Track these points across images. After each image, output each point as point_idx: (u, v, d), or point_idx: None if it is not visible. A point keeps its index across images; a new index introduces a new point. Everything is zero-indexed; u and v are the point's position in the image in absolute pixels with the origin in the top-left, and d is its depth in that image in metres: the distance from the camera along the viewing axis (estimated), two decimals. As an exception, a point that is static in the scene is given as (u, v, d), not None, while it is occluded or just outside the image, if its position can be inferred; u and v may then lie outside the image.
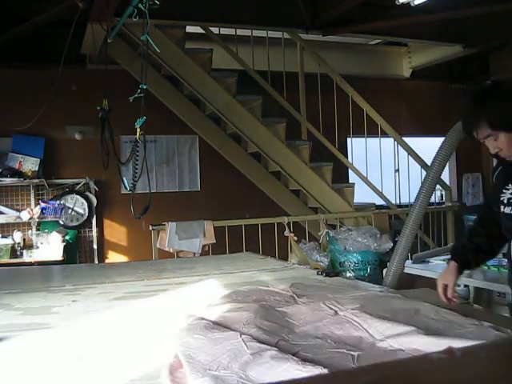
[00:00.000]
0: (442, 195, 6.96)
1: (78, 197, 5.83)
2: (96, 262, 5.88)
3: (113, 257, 6.13)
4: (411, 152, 5.80)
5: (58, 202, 5.70)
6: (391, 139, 5.86)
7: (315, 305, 1.67)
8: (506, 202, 1.89)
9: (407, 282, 3.73)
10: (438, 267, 3.55)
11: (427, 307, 1.61)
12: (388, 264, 3.78)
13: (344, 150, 6.14)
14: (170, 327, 1.74)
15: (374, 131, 5.67)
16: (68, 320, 1.83)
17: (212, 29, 5.24)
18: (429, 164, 4.90)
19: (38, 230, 5.72)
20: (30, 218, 5.60)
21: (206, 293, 2.30)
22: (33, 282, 2.86)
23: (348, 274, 4.70)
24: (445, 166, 4.40)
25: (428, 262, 3.93)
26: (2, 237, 5.52)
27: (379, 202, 5.97)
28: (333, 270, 4.65)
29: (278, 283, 2.20)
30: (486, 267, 3.30)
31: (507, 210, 1.88)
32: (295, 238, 4.85)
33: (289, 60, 5.50)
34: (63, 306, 2.06)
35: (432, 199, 6.31)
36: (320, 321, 1.52)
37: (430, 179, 4.33)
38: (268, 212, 5.46)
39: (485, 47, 6.17)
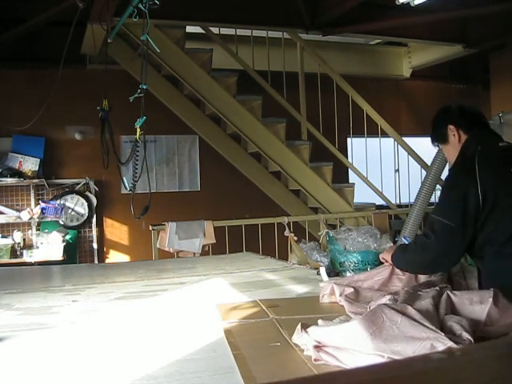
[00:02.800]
0: (442, 195, 6.96)
1: (78, 197, 5.83)
2: (96, 261, 5.88)
3: (113, 257, 6.13)
4: (411, 152, 5.80)
5: (57, 202, 5.70)
6: (391, 139, 5.86)
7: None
8: None
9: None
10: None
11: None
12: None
13: (344, 150, 6.14)
14: (172, 327, 1.75)
15: (374, 131, 5.67)
16: (68, 320, 1.83)
17: (212, 29, 5.24)
18: (429, 164, 4.92)
19: (38, 230, 5.71)
20: (30, 218, 5.60)
21: (213, 291, 2.30)
22: (33, 282, 2.86)
23: (348, 274, 4.69)
24: (445, 166, 4.41)
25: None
26: (2, 237, 5.52)
27: (379, 202, 5.97)
28: (333, 269, 4.65)
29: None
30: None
31: None
32: (295, 238, 4.84)
33: (289, 60, 5.50)
34: (63, 306, 2.06)
35: (432, 199, 6.33)
36: None
37: (430, 179, 4.34)
38: (268, 212, 5.46)
39: (485, 47, 6.17)
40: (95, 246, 5.95)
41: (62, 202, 5.73)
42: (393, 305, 1.37)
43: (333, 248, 4.91)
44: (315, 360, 1.28)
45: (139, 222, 4.69)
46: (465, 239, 1.89)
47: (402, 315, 1.28)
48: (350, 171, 6.05)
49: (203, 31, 5.25)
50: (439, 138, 2.19)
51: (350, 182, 6.02)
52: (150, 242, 4.80)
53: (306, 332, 1.35)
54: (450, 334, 1.24)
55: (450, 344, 1.15)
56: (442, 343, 1.16)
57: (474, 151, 1.97)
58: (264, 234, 4.96)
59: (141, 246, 5.75)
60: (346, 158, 5.87)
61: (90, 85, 5.43)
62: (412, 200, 6.10)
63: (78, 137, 5.91)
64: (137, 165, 3.63)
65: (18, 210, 5.63)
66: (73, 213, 5.81)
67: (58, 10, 4.40)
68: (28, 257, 5.42)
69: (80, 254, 5.95)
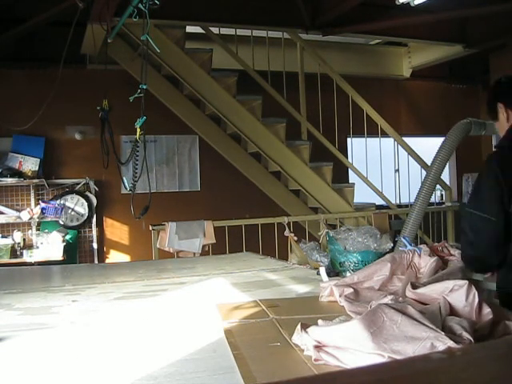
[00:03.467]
0: (441, 195, 6.97)
1: (79, 197, 5.84)
2: (96, 261, 5.88)
3: (113, 257, 6.14)
4: (411, 152, 5.80)
5: (57, 202, 5.70)
6: (391, 139, 5.86)
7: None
8: None
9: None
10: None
11: None
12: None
13: (344, 150, 6.14)
14: (172, 327, 1.75)
15: (374, 131, 5.67)
16: (68, 320, 1.83)
17: (212, 29, 5.24)
18: (429, 164, 4.92)
19: (38, 230, 5.71)
20: (30, 218, 5.60)
21: (213, 291, 2.30)
22: (33, 282, 2.86)
23: (348, 274, 4.70)
24: (445, 166, 4.40)
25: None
26: (2, 237, 5.52)
27: (379, 202, 5.97)
28: (333, 269, 4.66)
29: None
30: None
31: None
32: (295, 238, 4.84)
33: (289, 60, 5.50)
34: (63, 306, 2.06)
35: (432, 199, 6.32)
36: None
37: (430, 179, 4.33)
38: (268, 212, 5.46)
39: (485, 47, 6.17)
40: (95, 245, 5.96)
41: (62, 201, 5.73)
42: (393, 304, 1.37)
43: (333, 248, 4.91)
44: (315, 360, 1.28)
45: (139, 222, 4.69)
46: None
47: (402, 315, 1.28)
48: (350, 171, 6.05)
49: (203, 31, 5.26)
50: (490, 114, 2.01)
51: (350, 182, 6.02)
52: (150, 242, 4.80)
53: (306, 332, 1.36)
54: (450, 333, 1.24)
55: (451, 343, 1.15)
56: (443, 342, 1.16)
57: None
58: (264, 234, 4.96)
59: (141, 246, 5.75)
60: (346, 158, 5.87)
61: (90, 85, 5.43)
62: (412, 200, 6.10)
63: (77, 137, 5.91)
64: (137, 165, 3.63)
65: (18, 210, 5.63)
66: (73, 213, 5.81)
67: (58, 10, 4.40)
68: (28, 257, 5.43)
69: (80, 254, 5.95)
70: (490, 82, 6.89)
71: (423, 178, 4.73)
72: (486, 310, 1.37)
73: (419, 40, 6.24)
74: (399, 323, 1.25)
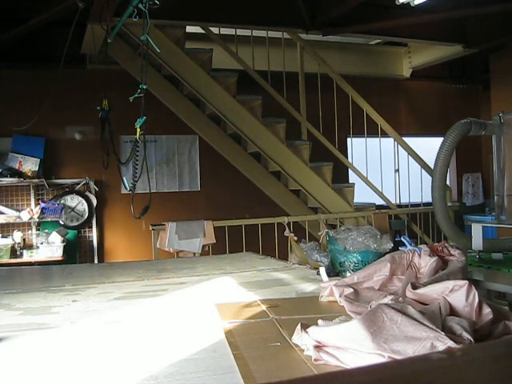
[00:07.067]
0: (441, 195, 6.96)
1: (79, 197, 5.83)
2: (96, 261, 5.88)
3: (113, 257, 6.13)
4: (411, 152, 5.80)
5: (57, 202, 5.70)
6: (391, 139, 5.86)
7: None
8: None
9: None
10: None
11: None
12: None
13: (344, 150, 6.14)
14: (172, 327, 1.75)
15: (374, 131, 5.67)
16: (68, 320, 1.83)
17: (212, 29, 5.24)
18: (429, 164, 4.88)
19: (37, 230, 5.71)
20: (30, 218, 5.60)
21: (213, 291, 2.30)
22: (33, 282, 2.86)
23: (348, 274, 4.69)
24: (448, 165, 4.35)
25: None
26: (2, 237, 5.52)
27: (379, 202, 5.97)
28: (333, 269, 4.65)
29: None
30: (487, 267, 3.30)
31: None
32: (295, 238, 4.85)
33: (289, 60, 5.50)
34: (63, 306, 2.06)
35: (431, 199, 6.31)
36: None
37: (437, 180, 4.23)
38: (268, 212, 5.46)
39: (485, 47, 6.17)
40: (95, 245, 5.95)
41: (62, 201, 5.73)
42: (393, 304, 1.37)
43: (333, 248, 4.91)
44: (315, 360, 1.28)
45: (139, 222, 4.70)
46: None
47: (403, 315, 1.28)
48: (350, 171, 6.05)
49: (203, 31, 5.26)
50: None
51: (350, 181, 6.02)
52: (150, 241, 4.80)
53: (306, 332, 1.36)
54: (450, 333, 1.24)
55: (451, 343, 1.15)
56: (443, 342, 1.16)
57: None
58: (264, 234, 4.96)
59: (141, 246, 5.76)
60: (346, 157, 5.87)
61: (90, 85, 5.43)
62: (412, 200, 6.11)
63: (77, 137, 5.91)
64: (137, 165, 3.63)
65: (18, 210, 5.63)
66: (73, 213, 5.81)
67: (59, 10, 4.40)
68: (28, 257, 5.42)
69: (80, 253, 5.95)
70: (490, 82, 6.91)
71: (431, 183, 4.65)
72: (486, 310, 1.37)
73: (419, 40, 6.24)
74: (399, 323, 1.25)
